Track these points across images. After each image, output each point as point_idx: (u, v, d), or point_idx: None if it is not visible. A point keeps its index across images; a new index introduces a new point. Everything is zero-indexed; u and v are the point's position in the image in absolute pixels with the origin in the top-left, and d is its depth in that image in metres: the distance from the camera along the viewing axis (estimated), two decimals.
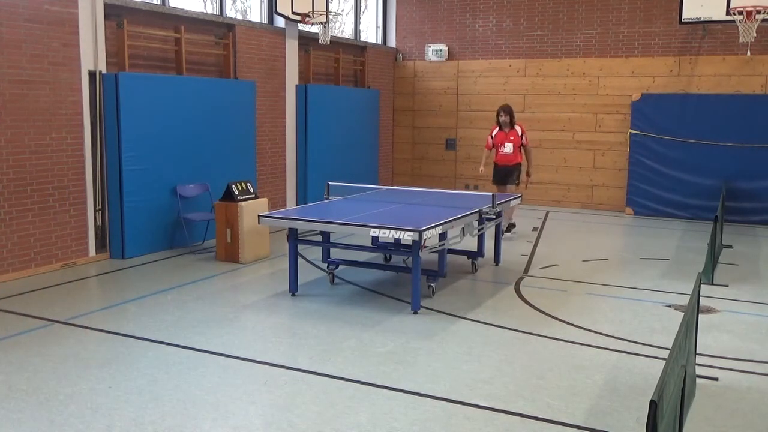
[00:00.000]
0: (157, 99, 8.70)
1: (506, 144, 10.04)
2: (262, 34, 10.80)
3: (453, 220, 6.71)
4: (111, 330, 5.81)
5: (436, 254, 6.91)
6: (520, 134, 10.04)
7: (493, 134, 10.18)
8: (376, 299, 6.89)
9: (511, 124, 10.06)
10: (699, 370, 4.93)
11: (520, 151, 10.10)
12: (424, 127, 14.52)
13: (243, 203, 8.33)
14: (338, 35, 12.98)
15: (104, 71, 8.23)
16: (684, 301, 6.69)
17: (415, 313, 6.35)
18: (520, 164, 10.13)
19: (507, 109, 10.04)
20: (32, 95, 7.46)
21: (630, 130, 12.29)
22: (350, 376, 4.88)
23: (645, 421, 2.60)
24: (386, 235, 6.28)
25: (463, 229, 6.99)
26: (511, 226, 10.11)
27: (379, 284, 7.46)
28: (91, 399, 4.44)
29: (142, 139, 8.51)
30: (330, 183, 8.27)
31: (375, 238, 7.73)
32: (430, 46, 14.12)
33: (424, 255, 6.41)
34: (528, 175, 10.29)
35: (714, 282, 7.46)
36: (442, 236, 6.66)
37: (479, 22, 13.71)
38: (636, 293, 7.21)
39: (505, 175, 10.10)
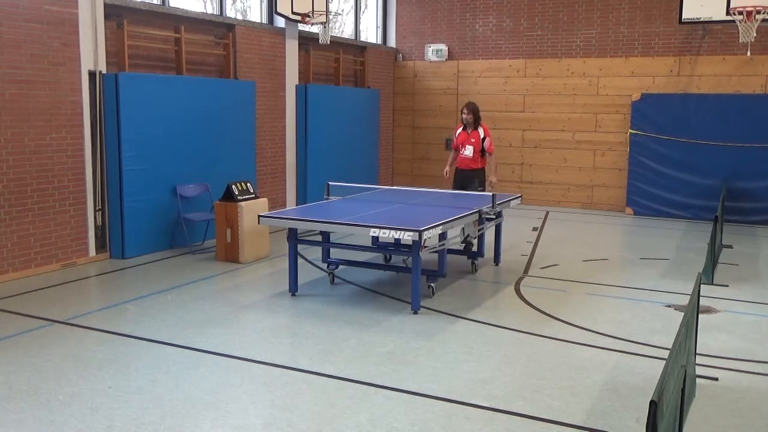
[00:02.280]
0: (157, 99, 8.69)
1: (467, 146, 9.06)
2: (262, 34, 10.80)
3: (453, 220, 6.71)
4: (111, 330, 5.81)
5: (436, 254, 6.92)
6: (482, 137, 9.02)
7: (457, 133, 9.28)
8: (376, 299, 6.89)
9: (475, 125, 9.06)
10: (699, 370, 4.93)
11: (482, 156, 9.09)
12: (424, 127, 14.52)
13: (243, 203, 8.33)
14: (338, 35, 12.98)
15: (104, 71, 8.23)
16: (684, 301, 6.69)
17: (415, 313, 6.35)
18: (482, 170, 9.16)
19: (471, 107, 9.05)
20: (32, 95, 7.45)
21: (630, 130, 12.29)
22: (350, 376, 4.88)
23: (645, 421, 2.60)
24: (386, 235, 6.28)
25: (463, 229, 6.99)
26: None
27: (379, 284, 7.46)
28: (91, 399, 4.44)
29: (142, 139, 8.51)
30: (330, 183, 8.27)
31: (375, 238, 7.72)
32: (430, 46, 14.12)
33: (424, 255, 6.41)
34: (491, 181, 9.26)
35: (714, 282, 7.46)
36: (442, 236, 6.66)
37: (479, 22, 13.71)
38: (636, 293, 7.21)
39: (464, 180, 9.16)
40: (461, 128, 9.27)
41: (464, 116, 9.12)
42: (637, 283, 7.62)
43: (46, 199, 7.69)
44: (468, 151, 9.09)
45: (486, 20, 13.64)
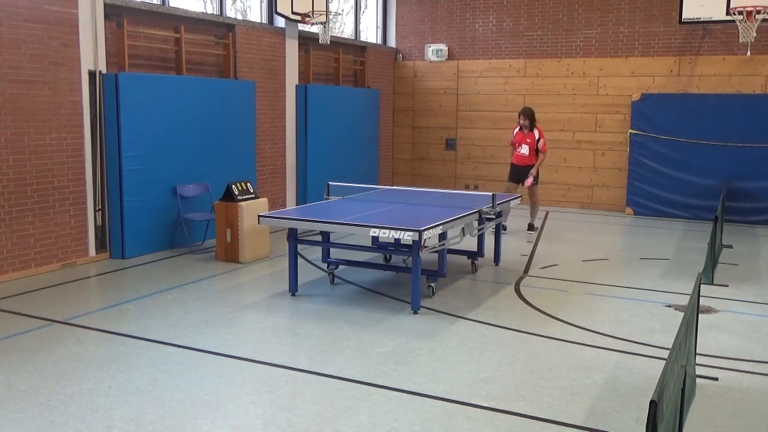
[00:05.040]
0: (157, 99, 8.69)
1: (523, 145, 10.24)
2: (262, 34, 10.80)
3: (453, 220, 6.71)
4: (111, 330, 5.81)
5: (436, 254, 6.92)
6: (537, 138, 10.18)
7: (515, 132, 10.42)
8: (376, 299, 6.89)
9: (531, 127, 10.20)
10: (699, 370, 4.93)
11: (536, 155, 10.24)
12: (424, 127, 14.52)
13: (243, 203, 8.33)
14: (338, 35, 12.98)
15: (104, 71, 8.23)
16: (684, 301, 6.69)
17: (415, 313, 6.35)
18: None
19: (526, 113, 10.21)
20: (32, 95, 7.46)
21: (630, 130, 12.29)
22: (350, 376, 4.88)
23: (645, 421, 2.60)
24: (386, 235, 6.28)
25: (463, 229, 6.99)
26: (531, 226, 10.50)
27: (379, 284, 7.46)
28: (91, 399, 4.44)
29: (142, 139, 8.51)
30: (330, 183, 8.27)
31: (375, 238, 7.73)
32: (430, 46, 14.12)
33: (424, 255, 6.41)
34: (532, 174, 10.15)
35: (714, 282, 7.46)
36: (442, 236, 6.66)
37: (479, 22, 13.71)
38: (636, 293, 7.21)
39: (519, 174, 10.29)
40: (518, 128, 10.39)
41: (521, 122, 10.24)
42: (637, 283, 7.63)
43: (46, 199, 7.69)
44: (524, 149, 10.28)
45: (486, 20, 13.64)
